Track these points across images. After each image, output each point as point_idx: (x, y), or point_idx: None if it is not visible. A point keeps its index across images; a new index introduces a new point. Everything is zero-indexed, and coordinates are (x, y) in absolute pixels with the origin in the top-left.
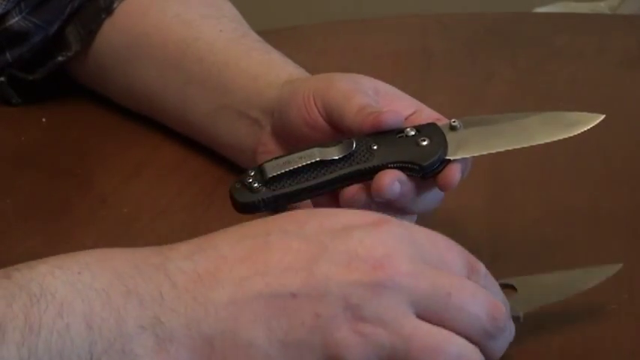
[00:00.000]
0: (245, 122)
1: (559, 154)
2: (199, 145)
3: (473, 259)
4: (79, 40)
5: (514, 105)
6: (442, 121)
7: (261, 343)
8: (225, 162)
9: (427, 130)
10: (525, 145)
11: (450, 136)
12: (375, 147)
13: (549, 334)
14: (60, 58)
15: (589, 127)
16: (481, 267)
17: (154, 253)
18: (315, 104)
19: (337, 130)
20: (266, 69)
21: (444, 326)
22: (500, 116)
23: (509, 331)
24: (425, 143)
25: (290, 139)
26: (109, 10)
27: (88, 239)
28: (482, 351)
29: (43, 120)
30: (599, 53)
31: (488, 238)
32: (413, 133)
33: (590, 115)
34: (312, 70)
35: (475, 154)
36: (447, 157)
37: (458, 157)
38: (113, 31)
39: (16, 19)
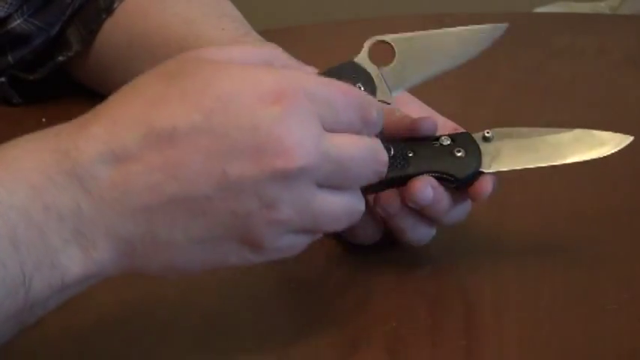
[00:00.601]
0: None
1: None
2: None
3: (365, 109)
4: (79, 40)
5: (514, 105)
6: (456, 130)
7: (181, 243)
8: None
9: (462, 140)
10: (557, 164)
11: (483, 148)
12: (411, 154)
13: (549, 333)
14: (60, 58)
15: (619, 149)
16: (372, 116)
17: (62, 154)
18: None
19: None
20: None
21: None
22: (531, 130)
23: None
24: (460, 154)
25: None
26: (109, 10)
27: None
28: None
29: (43, 120)
30: (599, 53)
31: (489, 238)
32: (448, 142)
33: (620, 136)
34: None
35: (509, 169)
36: (482, 170)
37: (492, 170)
38: (114, 30)
39: (18, 21)
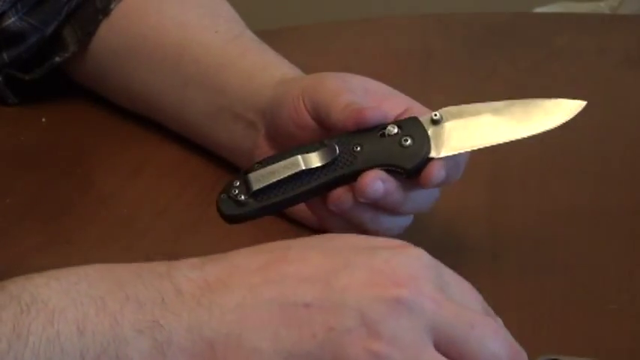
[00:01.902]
0: (241, 125)
1: (559, 154)
2: (199, 145)
3: (491, 310)
4: (76, 41)
5: None
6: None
7: (267, 351)
8: (225, 162)
9: (409, 126)
10: (510, 140)
11: (432, 131)
12: (358, 149)
13: (549, 333)
14: (57, 59)
15: (571, 117)
16: (497, 318)
17: (161, 263)
18: (304, 103)
19: (325, 129)
20: (260, 70)
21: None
22: (481, 105)
23: None
24: (408, 143)
25: (282, 141)
26: (105, 12)
27: (88, 239)
28: None
29: (43, 120)
30: (599, 53)
31: (489, 238)
32: (395, 130)
33: (571, 102)
34: (312, 70)
35: (457, 152)
36: (431, 156)
37: (442, 155)
38: (110, 32)
39: (13, 19)
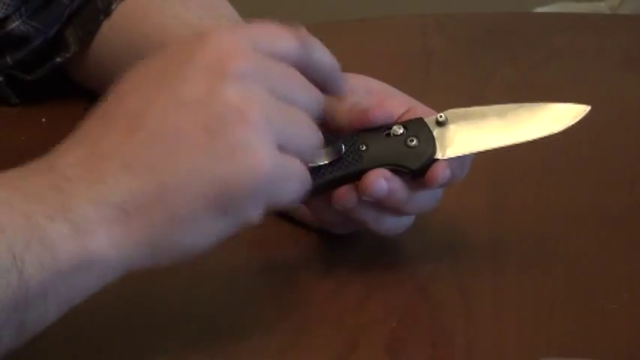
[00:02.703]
0: None
1: (559, 154)
2: None
3: (301, 35)
4: (77, 42)
5: None
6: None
7: (170, 182)
8: None
9: (415, 127)
10: (515, 143)
11: (437, 133)
12: (364, 148)
13: (549, 333)
14: (58, 59)
15: (577, 120)
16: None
17: (39, 162)
18: None
19: (329, 128)
20: None
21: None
22: (487, 108)
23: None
24: (413, 143)
25: None
26: (107, 12)
27: None
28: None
29: (43, 120)
30: (599, 53)
31: (489, 238)
32: (401, 131)
33: (577, 106)
34: None
35: (462, 153)
36: (436, 157)
37: (447, 156)
38: (112, 32)
39: (17, 23)
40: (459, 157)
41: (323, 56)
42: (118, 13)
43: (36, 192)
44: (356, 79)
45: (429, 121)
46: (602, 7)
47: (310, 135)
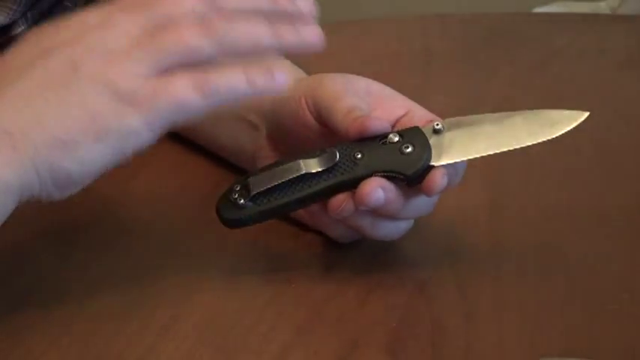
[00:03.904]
0: (243, 126)
1: (559, 154)
2: (199, 145)
3: None
4: None
5: (514, 105)
6: (434, 122)
7: (38, 102)
8: (226, 162)
9: (410, 135)
10: (510, 148)
11: (433, 141)
12: (359, 155)
13: (549, 333)
14: None
15: (573, 126)
16: None
17: None
18: (307, 104)
19: (327, 129)
20: None
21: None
22: (483, 116)
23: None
24: (409, 150)
25: (284, 142)
26: None
27: (88, 240)
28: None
29: None
30: (599, 53)
31: (488, 239)
32: (397, 139)
33: (574, 112)
34: (312, 70)
35: (459, 160)
36: (432, 164)
37: (442, 163)
38: None
39: (22, 28)
40: (454, 163)
41: None
42: None
43: None
44: (357, 80)
45: (426, 129)
46: (602, 7)
47: (186, 46)
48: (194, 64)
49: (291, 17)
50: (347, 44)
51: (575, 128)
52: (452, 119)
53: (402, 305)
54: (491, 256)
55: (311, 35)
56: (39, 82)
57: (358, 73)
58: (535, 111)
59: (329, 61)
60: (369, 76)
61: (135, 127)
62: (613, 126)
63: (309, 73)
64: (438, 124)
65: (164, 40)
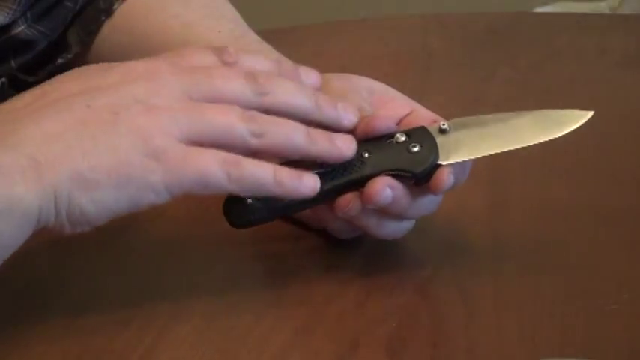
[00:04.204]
0: None
1: (559, 154)
2: None
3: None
4: (78, 42)
5: (514, 105)
6: (439, 122)
7: (70, 136)
8: None
9: (417, 135)
10: (517, 147)
11: (440, 140)
12: (367, 155)
13: (549, 334)
14: (60, 60)
15: (579, 125)
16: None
17: None
18: None
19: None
20: None
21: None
22: (489, 117)
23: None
24: (416, 150)
25: None
26: (109, 12)
27: (88, 239)
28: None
29: None
30: (599, 53)
31: (489, 239)
32: (403, 138)
33: (579, 112)
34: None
35: (466, 159)
36: (439, 163)
37: (450, 161)
38: (114, 32)
39: (22, 27)
40: (461, 162)
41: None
42: (120, 13)
43: None
44: (360, 80)
45: (432, 129)
46: (602, 7)
47: (228, 125)
48: (225, 146)
49: (328, 121)
50: (347, 44)
51: (575, 128)
52: (457, 120)
53: (402, 305)
54: (491, 256)
55: (343, 147)
56: (76, 119)
57: (358, 73)
58: (541, 111)
59: (329, 61)
60: (369, 76)
61: (155, 185)
62: (613, 126)
63: None
64: (444, 124)
65: (206, 113)
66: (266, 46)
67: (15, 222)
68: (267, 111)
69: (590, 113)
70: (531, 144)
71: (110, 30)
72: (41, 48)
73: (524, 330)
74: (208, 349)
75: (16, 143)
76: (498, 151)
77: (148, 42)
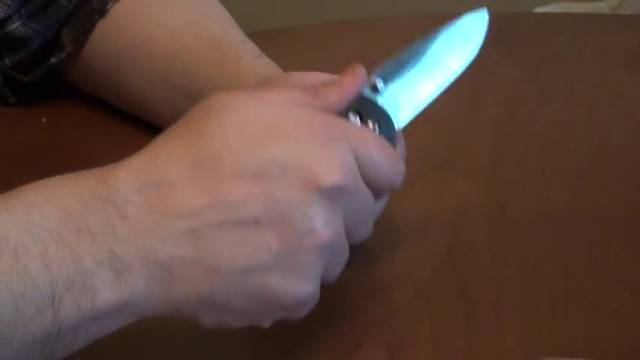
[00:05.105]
0: None
1: (559, 154)
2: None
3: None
4: (72, 42)
5: (514, 105)
6: (368, 80)
7: (224, 269)
8: None
9: (367, 110)
10: (450, 81)
11: (381, 101)
12: None
13: (549, 334)
14: (53, 60)
15: (485, 28)
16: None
17: (98, 182)
18: None
19: None
20: (234, 78)
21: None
22: (405, 54)
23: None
24: (376, 133)
25: None
26: (102, 12)
27: None
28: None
29: (43, 120)
30: (599, 53)
31: (489, 239)
32: (355, 117)
33: (475, 14)
34: (312, 70)
35: (414, 114)
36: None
37: (404, 124)
38: (102, 38)
39: (17, 24)
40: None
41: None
42: (110, 17)
43: (88, 227)
44: (292, 77)
45: (370, 94)
46: (602, 7)
47: (341, 267)
48: None
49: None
50: (347, 44)
51: (575, 129)
52: (380, 69)
53: (402, 305)
54: (492, 256)
55: None
56: (234, 234)
57: None
58: (443, 30)
59: (329, 61)
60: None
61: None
62: (613, 125)
63: None
64: (377, 82)
65: (339, 257)
66: (249, 45)
67: (124, 318)
68: None
69: (484, 10)
70: (460, 72)
71: (100, 36)
72: (35, 46)
73: (524, 330)
74: (208, 349)
75: (153, 246)
76: (437, 94)
77: (135, 51)
